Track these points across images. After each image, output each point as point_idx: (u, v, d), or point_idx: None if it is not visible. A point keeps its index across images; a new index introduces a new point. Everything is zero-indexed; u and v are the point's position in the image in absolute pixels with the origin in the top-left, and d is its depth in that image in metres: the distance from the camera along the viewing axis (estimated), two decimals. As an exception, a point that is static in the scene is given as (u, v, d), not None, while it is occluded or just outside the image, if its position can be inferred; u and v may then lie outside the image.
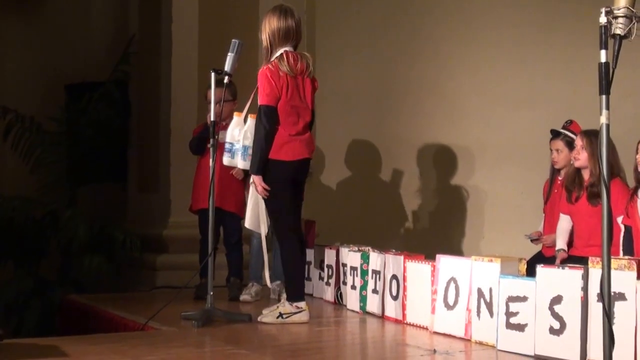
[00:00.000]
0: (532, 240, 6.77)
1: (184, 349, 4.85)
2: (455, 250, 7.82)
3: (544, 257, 6.60)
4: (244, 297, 6.84)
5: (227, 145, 6.15)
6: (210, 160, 5.84)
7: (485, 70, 8.05)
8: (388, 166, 9.09)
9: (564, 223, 6.29)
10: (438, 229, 8.55)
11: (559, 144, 6.51)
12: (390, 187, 9.07)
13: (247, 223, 6.15)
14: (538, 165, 7.07)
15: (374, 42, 9.13)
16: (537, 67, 7.52)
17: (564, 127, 6.54)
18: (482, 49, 8.05)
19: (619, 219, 5.85)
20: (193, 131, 7.31)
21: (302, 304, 5.75)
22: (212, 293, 5.77)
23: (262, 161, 5.65)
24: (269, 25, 5.77)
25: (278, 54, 5.74)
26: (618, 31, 3.33)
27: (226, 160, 6.18)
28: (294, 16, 5.81)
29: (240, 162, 6.03)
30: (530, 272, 4.85)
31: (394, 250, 6.18)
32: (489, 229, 8.07)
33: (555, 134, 6.60)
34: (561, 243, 6.37)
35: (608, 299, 3.27)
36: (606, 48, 3.31)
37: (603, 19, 3.31)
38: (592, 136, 5.90)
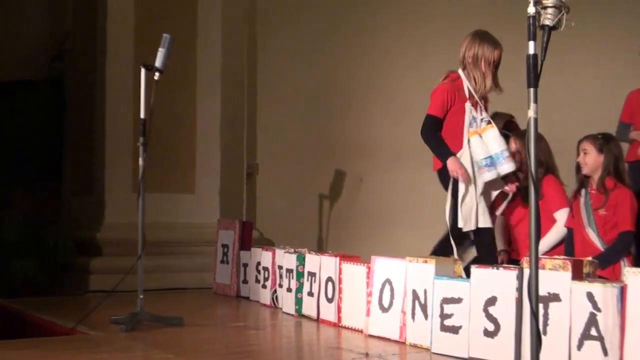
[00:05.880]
0: None
1: (110, 354, 4.71)
2: (400, 251, 7.73)
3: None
4: None
5: (485, 161, 5.87)
6: (140, 159, 5.70)
7: (437, 73, 7.96)
8: (332, 167, 9.00)
9: (500, 222, 6.25)
10: (384, 230, 8.48)
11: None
12: (334, 188, 8.98)
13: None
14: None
15: (321, 41, 9.04)
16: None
17: (504, 127, 6.48)
18: (435, 51, 7.96)
19: (557, 214, 5.82)
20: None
21: None
22: (142, 296, 5.62)
23: None
24: None
25: None
26: (547, 22, 3.23)
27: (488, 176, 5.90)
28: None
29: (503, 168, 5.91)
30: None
31: (330, 252, 6.07)
32: (433, 228, 7.97)
33: (496, 134, 6.53)
34: (501, 244, 6.34)
35: (536, 299, 3.16)
36: (534, 39, 3.20)
37: (531, 9, 3.20)
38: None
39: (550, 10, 3.23)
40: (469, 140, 5.79)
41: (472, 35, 5.89)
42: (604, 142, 5.88)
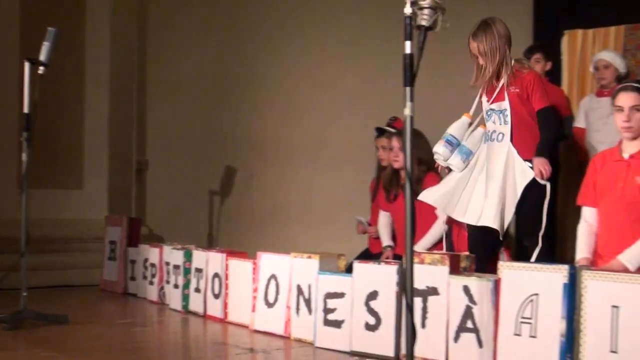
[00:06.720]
0: (358, 225, 6.78)
1: (-9, 353, 4.61)
2: (290, 247, 7.78)
3: (371, 254, 6.62)
4: None
5: (450, 137, 5.42)
6: (24, 154, 5.60)
7: (321, 67, 8.02)
8: (222, 163, 8.99)
9: (384, 219, 6.34)
10: (274, 226, 8.50)
11: (384, 141, 6.54)
12: (223, 183, 8.97)
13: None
14: (373, 162, 7.07)
15: (211, 36, 9.01)
16: (374, 63, 7.52)
17: (388, 124, 6.57)
18: (318, 45, 8.02)
19: (439, 211, 5.91)
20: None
21: None
22: (25, 294, 5.52)
23: None
24: (503, 33, 5.39)
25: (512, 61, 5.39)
26: (423, 22, 3.30)
27: (442, 149, 5.39)
28: None
29: (454, 159, 5.41)
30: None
31: (217, 248, 6.08)
32: (324, 225, 8.05)
33: (380, 132, 6.63)
34: (387, 240, 6.41)
35: (411, 292, 3.24)
36: (411, 39, 3.27)
37: (408, 10, 3.27)
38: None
39: (426, 11, 3.30)
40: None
41: None
42: None
